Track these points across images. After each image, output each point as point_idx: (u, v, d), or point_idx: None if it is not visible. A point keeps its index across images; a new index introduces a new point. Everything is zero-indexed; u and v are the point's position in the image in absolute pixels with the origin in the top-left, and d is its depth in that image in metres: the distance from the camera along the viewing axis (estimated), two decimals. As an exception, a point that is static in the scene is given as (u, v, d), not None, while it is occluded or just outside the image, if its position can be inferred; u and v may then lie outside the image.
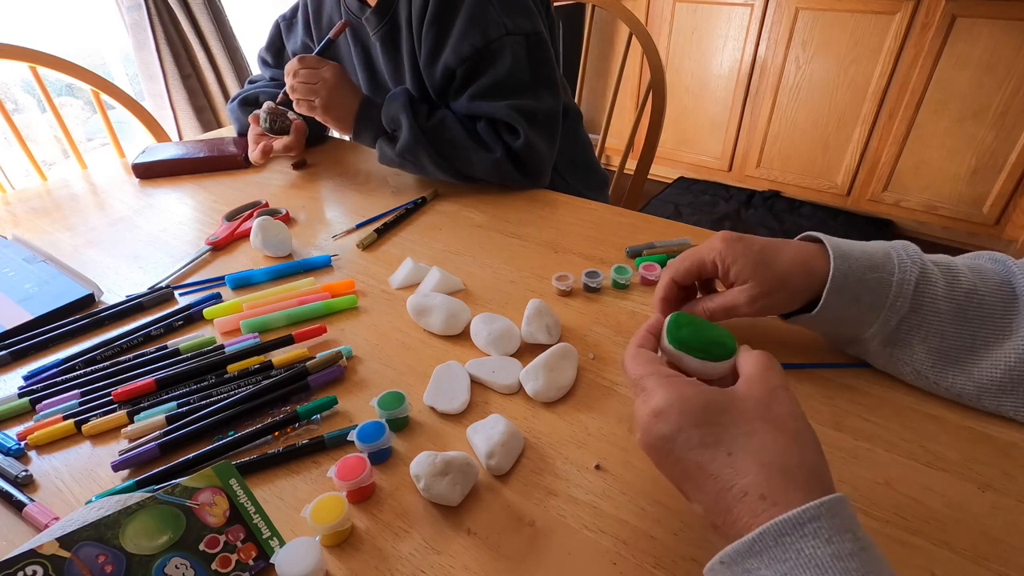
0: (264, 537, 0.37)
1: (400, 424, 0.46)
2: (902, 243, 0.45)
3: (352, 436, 0.43)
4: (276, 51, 1.06)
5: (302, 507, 0.39)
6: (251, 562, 0.36)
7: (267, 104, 0.88)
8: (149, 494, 0.35)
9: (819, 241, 0.46)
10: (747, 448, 0.29)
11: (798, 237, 0.48)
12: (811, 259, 0.44)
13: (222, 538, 0.36)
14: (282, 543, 0.38)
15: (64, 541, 0.32)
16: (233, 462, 0.40)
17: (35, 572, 0.30)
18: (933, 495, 0.39)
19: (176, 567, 0.34)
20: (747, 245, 0.45)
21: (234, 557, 0.36)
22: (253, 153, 0.93)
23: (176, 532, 0.34)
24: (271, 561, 0.35)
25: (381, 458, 0.44)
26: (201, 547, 0.35)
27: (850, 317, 0.44)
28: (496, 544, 0.37)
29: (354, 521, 0.39)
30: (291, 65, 0.83)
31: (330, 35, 0.84)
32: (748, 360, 0.34)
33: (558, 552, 0.37)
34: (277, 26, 1.04)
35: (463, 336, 0.56)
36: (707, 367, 0.36)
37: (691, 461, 0.30)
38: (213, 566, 0.35)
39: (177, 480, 0.36)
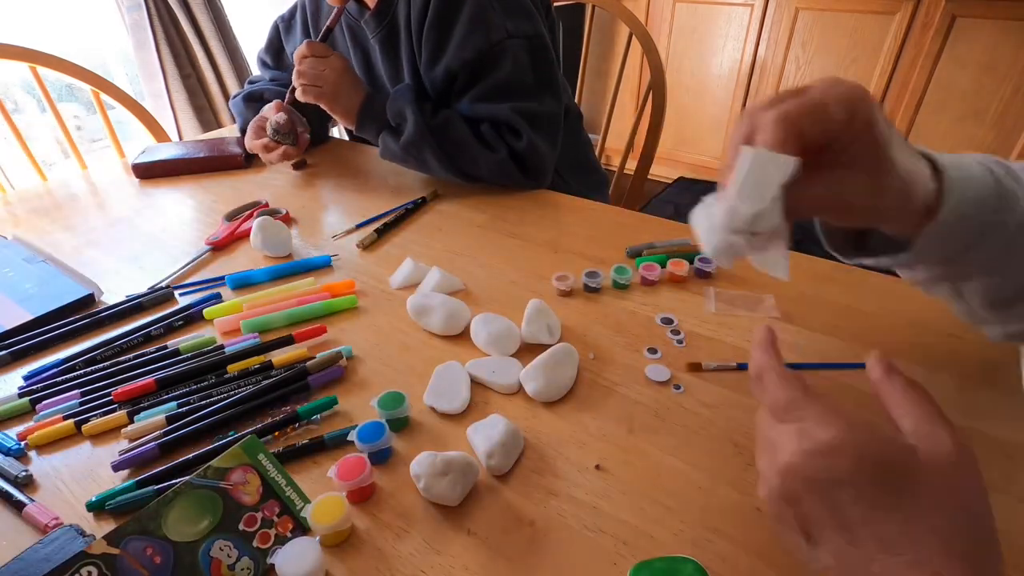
0: (298, 509, 0.38)
1: (400, 424, 0.46)
2: (998, 161, 0.38)
3: (352, 436, 0.43)
4: (275, 52, 1.06)
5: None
6: (288, 534, 0.37)
7: (276, 119, 0.87)
8: (183, 481, 0.36)
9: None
10: (929, 523, 0.26)
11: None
12: (922, 177, 0.35)
13: (259, 515, 0.37)
14: None
15: (111, 538, 0.32)
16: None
17: (90, 573, 0.31)
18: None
19: (220, 549, 0.35)
20: (882, 116, 0.33)
21: (272, 532, 0.37)
22: (253, 147, 0.92)
23: (215, 515, 0.35)
24: (269, 561, 0.35)
25: (381, 458, 0.43)
26: (240, 526, 0.36)
27: (955, 234, 0.36)
28: (496, 544, 0.37)
29: (354, 521, 0.39)
30: (300, 51, 0.82)
31: (328, 22, 0.84)
32: (942, 424, 0.29)
33: (558, 552, 0.37)
34: (276, 27, 1.04)
35: (463, 336, 0.56)
36: None
37: (857, 515, 0.26)
38: (254, 543, 0.36)
39: (207, 463, 0.37)
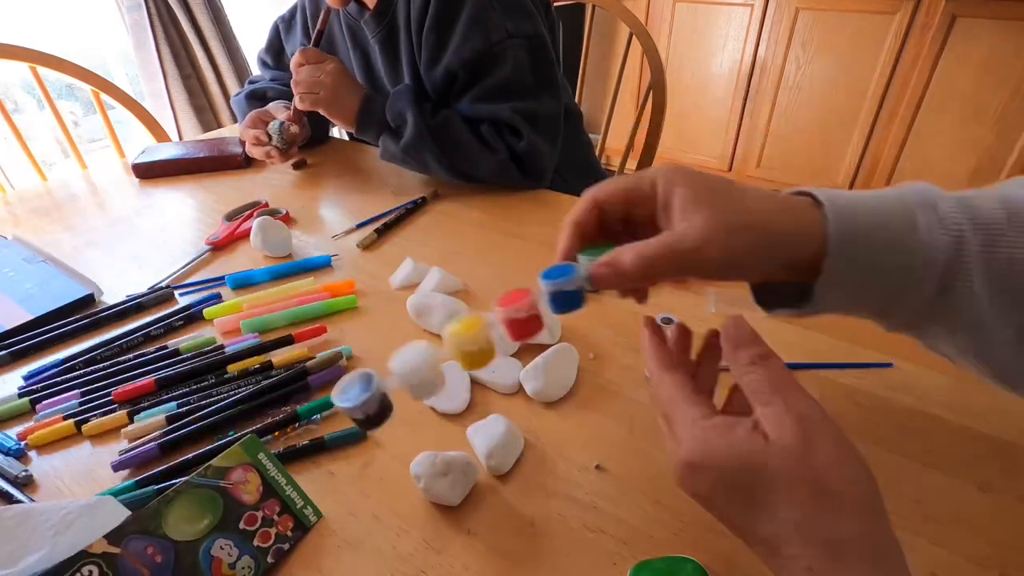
0: (299, 507, 0.38)
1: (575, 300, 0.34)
2: (919, 191, 0.32)
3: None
4: (275, 52, 1.06)
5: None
6: (289, 533, 0.37)
7: (280, 121, 0.87)
8: (184, 480, 0.36)
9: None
10: (789, 520, 0.25)
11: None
12: (798, 206, 0.31)
13: (259, 514, 0.37)
14: (315, 511, 0.39)
15: (111, 537, 0.32)
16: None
17: (91, 572, 0.31)
18: (933, 495, 0.39)
19: (221, 547, 0.35)
20: (703, 173, 0.32)
21: (273, 531, 0.37)
22: (245, 134, 0.93)
23: (215, 514, 0.35)
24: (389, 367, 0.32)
25: (566, 304, 0.34)
26: (241, 525, 0.36)
27: (859, 297, 0.32)
28: (496, 544, 0.37)
29: (357, 520, 0.39)
30: (295, 58, 0.82)
31: (318, 25, 0.84)
32: (780, 396, 0.27)
33: (558, 552, 0.37)
34: (276, 28, 1.04)
35: (463, 336, 0.56)
36: None
37: (733, 522, 0.28)
38: (255, 542, 0.36)
39: (208, 462, 0.37)
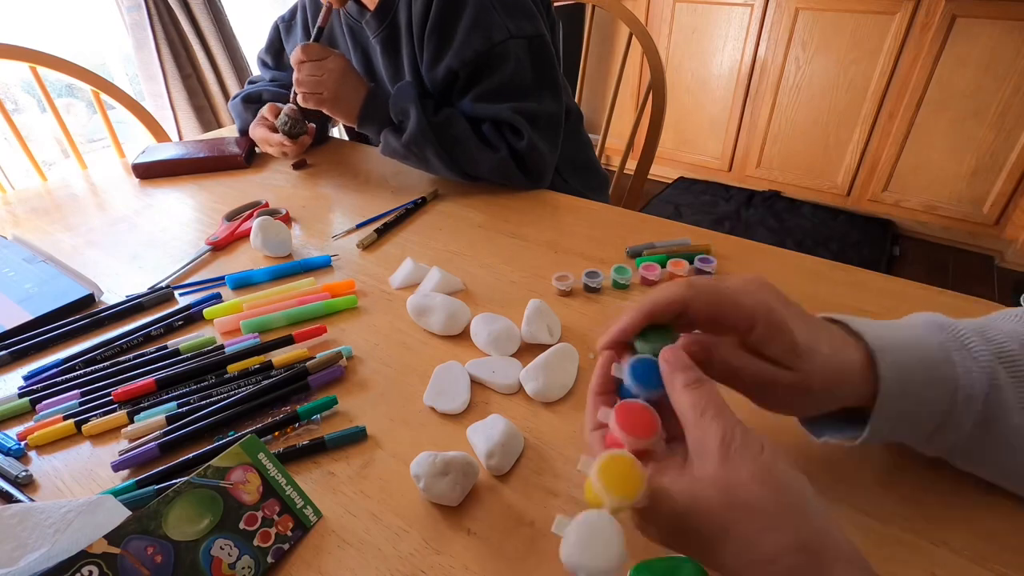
0: (299, 507, 0.38)
1: None
2: (941, 325, 0.35)
3: (620, 374, 0.32)
4: (276, 53, 1.06)
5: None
6: (289, 533, 0.37)
7: (288, 107, 0.88)
8: (184, 480, 0.36)
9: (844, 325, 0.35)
10: (732, 549, 0.25)
11: (831, 317, 0.37)
12: (852, 363, 0.33)
13: (259, 514, 0.37)
14: (315, 511, 0.39)
15: (111, 537, 0.32)
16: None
17: (91, 572, 0.31)
18: (933, 495, 0.39)
19: (221, 547, 0.35)
20: (801, 317, 0.33)
21: (273, 531, 0.37)
22: (255, 133, 0.93)
23: (215, 514, 0.35)
24: (553, 531, 0.28)
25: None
26: (241, 525, 0.36)
27: (903, 428, 0.35)
28: (496, 544, 0.37)
29: (357, 520, 0.39)
30: (296, 55, 0.82)
31: (318, 22, 0.84)
32: (706, 418, 0.27)
33: (558, 552, 0.37)
34: (276, 28, 1.04)
35: (463, 336, 0.56)
36: None
37: (697, 558, 0.28)
38: (255, 542, 0.36)
39: (208, 463, 0.37)
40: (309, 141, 0.92)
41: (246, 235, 0.76)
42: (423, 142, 0.79)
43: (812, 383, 0.32)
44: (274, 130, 0.93)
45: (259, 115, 0.96)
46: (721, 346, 0.33)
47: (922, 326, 0.36)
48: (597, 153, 1.12)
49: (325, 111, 0.84)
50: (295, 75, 0.83)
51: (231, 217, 0.81)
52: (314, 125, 0.93)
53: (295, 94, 0.85)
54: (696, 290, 0.33)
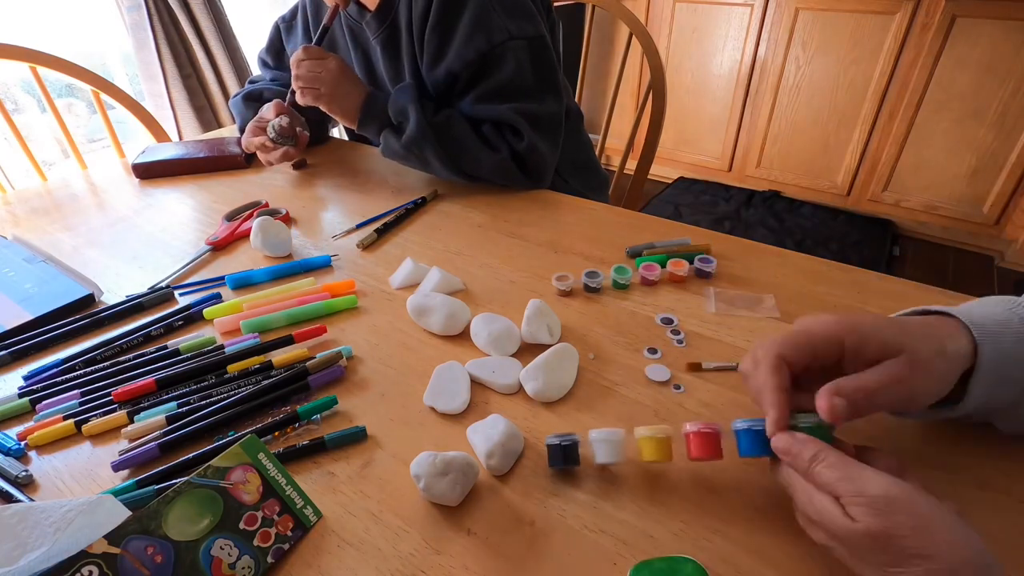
0: (299, 507, 0.38)
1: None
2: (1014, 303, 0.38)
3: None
4: (276, 53, 1.06)
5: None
6: (289, 533, 0.37)
7: (278, 122, 0.87)
8: (184, 480, 0.36)
9: (939, 313, 0.38)
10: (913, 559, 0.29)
11: (909, 312, 0.41)
12: (945, 326, 0.36)
13: (259, 514, 0.37)
14: (315, 511, 0.39)
15: (111, 537, 0.32)
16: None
17: (91, 572, 0.31)
18: (933, 495, 0.38)
19: (221, 547, 0.35)
20: (875, 317, 0.37)
21: (273, 531, 0.37)
22: (250, 145, 0.93)
23: (215, 514, 0.35)
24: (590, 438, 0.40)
25: (753, 448, 0.37)
26: (241, 525, 0.36)
27: (993, 402, 0.37)
28: (496, 544, 0.37)
29: (357, 520, 0.39)
30: (296, 55, 0.83)
31: (324, 21, 0.84)
32: (852, 486, 0.31)
33: (558, 552, 0.37)
34: (277, 28, 1.04)
35: (463, 336, 0.56)
36: None
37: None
38: (255, 542, 0.36)
39: (208, 463, 0.37)
40: (294, 154, 0.91)
41: (246, 235, 0.76)
42: (423, 143, 0.79)
43: (921, 358, 0.34)
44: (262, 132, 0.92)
45: (251, 123, 0.94)
46: (847, 385, 0.35)
47: (996, 305, 0.38)
48: (597, 153, 1.12)
49: (323, 108, 0.84)
50: (294, 71, 0.83)
51: (231, 217, 0.81)
52: (307, 134, 0.92)
53: (293, 92, 0.85)
54: (780, 346, 0.36)
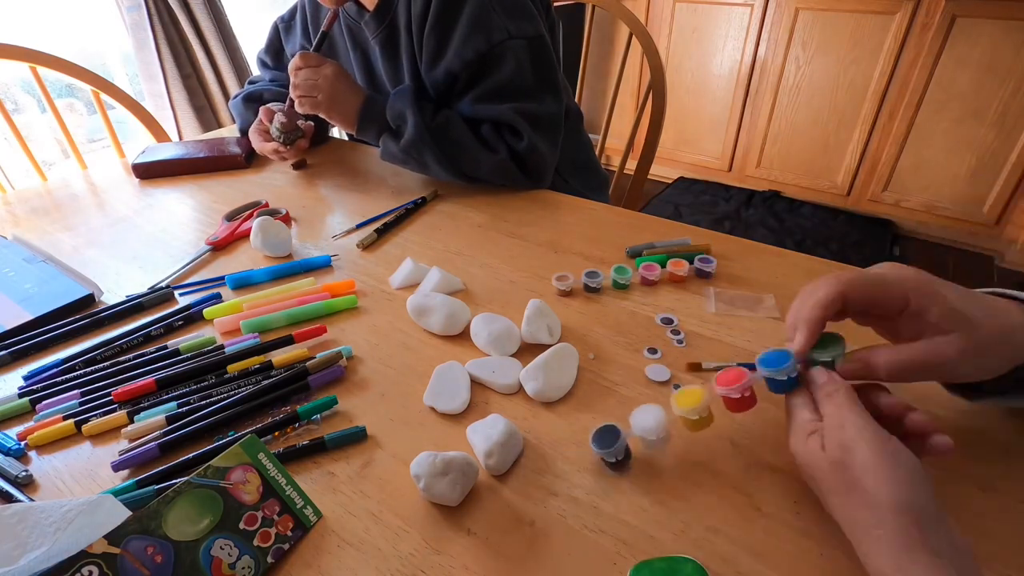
0: (299, 507, 0.38)
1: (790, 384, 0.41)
2: None
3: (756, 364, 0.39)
4: (275, 53, 1.06)
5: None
6: (289, 533, 0.37)
7: (279, 117, 0.88)
8: (184, 480, 0.36)
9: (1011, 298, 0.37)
10: (868, 490, 0.32)
11: (986, 291, 0.40)
12: (1018, 324, 0.35)
13: (259, 514, 0.37)
14: (315, 511, 0.39)
15: (111, 537, 0.32)
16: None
17: (91, 572, 0.31)
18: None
19: (221, 548, 0.35)
20: (949, 285, 0.36)
21: (273, 531, 0.37)
22: (263, 149, 0.94)
23: (215, 514, 0.35)
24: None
25: (782, 388, 0.38)
26: (241, 525, 0.36)
27: None
28: (496, 544, 0.37)
29: (357, 520, 0.39)
30: (293, 63, 0.83)
31: (323, 27, 0.84)
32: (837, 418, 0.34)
33: (558, 552, 0.37)
34: (276, 28, 1.04)
35: (463, 336, 0.56)
36: None
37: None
38: (255, 542, 0.36)
39: (208, 463, 0.37)
40: (305, 145, 0.92)
41: (246, 235, 0.76)
42: (421, 146, 0.80)
43: (979, 339, 0.34)
44: (270, 137, 0.93)
45: (255, 123, 0.96)
46: (881, 353, 0.36)
47: None
48: (597, 153, 1.12)
49: (321, 115, 0.84)
50: (292, 79, 0.83)
51: (231, 217, 0.81)
52: (312, 124, 0.93)
53: (291, 100, 0.85)
54: (848, 284, 0.36)
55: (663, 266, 0.63)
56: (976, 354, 0.34)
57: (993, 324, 0.34)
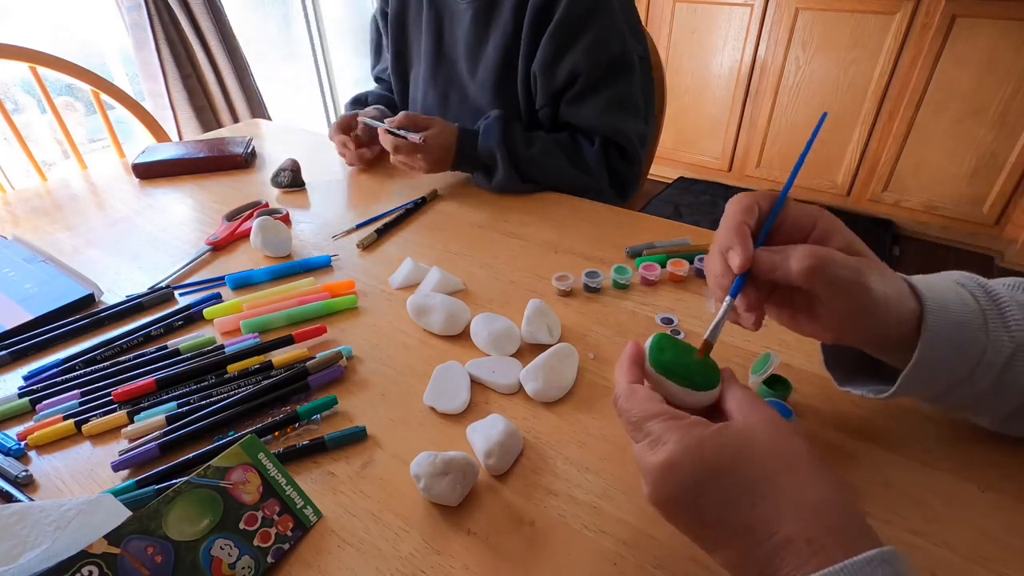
0: (299, 507, 0.38)
1: (785, 388, 0.46)
2: (994, 299, 0.36)
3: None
4: (376, 47, 1.07)
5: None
6: (289, 533, 0.37)
7: (288, 161, 0.91)
8: (184, 480, 0.36)
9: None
10: (772, 493, 0.27)
11: None
12: (904, 291, 0.35)
13: (259, 514, 0.37)
14: (315, 511, 0.39)
15: (111, 537, 0.32)
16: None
17: (91, 572, 0.31)
18: (933, 495, 0.39)
19: (221, 547, 0.35)
20: (851, 235, 0.35)
21: (273, 531, 0.37)
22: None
23: (215, 515, 0.35)
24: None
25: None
26: (241, 525, 0.36)
27: (929, 382, 0.36)
28: (496, 544, 0.37)
29: (357, 520, 0.39)
30: (397, 120, 0.81)
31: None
32: (736, 393, 0.32)
33: (558, 552, 0.37)
34: (374, 21, 1.04)
35: (463, 336, 0.56)
36: (689, 395, 0.33)
37: (714, 516, 0.28)
38: (255, 542, 0.36)
39: (208, 463, 0.37)
40: (370, 156, 0.94)
41: (246, 235, 0.76)
42: (512, 187, 0.82)
43: (866, 282, 0.33)
44: (351, 140, 0.93)
45: (342, 120, 0.95)
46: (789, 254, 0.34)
47: (951, 282, 0.37)
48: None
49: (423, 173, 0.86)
50: (391, 144, 0.82)
51: (231, 217, 0.81)
52: (376, 149, 0.95)
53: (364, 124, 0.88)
54: (761, 195, 0.36)
55: (663, 266, 0.63)
56: (868, 286, 0.33)
57: (879, 284, 0.33)
